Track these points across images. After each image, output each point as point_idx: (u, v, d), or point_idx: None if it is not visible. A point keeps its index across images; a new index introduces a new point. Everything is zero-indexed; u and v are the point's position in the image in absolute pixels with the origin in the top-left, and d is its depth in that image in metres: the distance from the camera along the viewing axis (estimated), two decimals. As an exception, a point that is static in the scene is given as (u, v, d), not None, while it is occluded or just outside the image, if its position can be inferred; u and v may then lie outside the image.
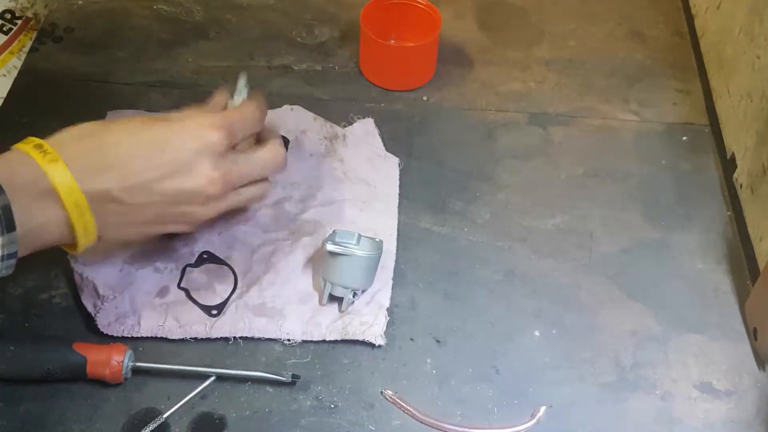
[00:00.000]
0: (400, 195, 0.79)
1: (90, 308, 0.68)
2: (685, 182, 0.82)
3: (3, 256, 0.56)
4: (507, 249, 0.76)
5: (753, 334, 0.70)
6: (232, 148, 0.65)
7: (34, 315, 0.69)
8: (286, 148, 0.81)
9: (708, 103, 0.89)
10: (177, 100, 0.86)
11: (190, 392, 0.64)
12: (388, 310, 0.70)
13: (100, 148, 0.60)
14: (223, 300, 0.70)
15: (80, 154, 0.59)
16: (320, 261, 0.70)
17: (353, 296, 0.69)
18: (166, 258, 0.72)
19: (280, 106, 0.85)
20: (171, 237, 0.73)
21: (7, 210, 0.55)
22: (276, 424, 0.64)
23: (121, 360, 0.64)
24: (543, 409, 0.66)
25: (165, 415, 0.63)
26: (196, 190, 0.62)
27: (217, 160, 0.63)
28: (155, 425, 0.63)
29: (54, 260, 0.71)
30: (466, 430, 0.64)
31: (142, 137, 0.62)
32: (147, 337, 0.68)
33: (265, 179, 0.70)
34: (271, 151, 0.68)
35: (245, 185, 0.67)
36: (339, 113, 0.85)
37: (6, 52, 0.92)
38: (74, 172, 0.57)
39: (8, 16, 0.93)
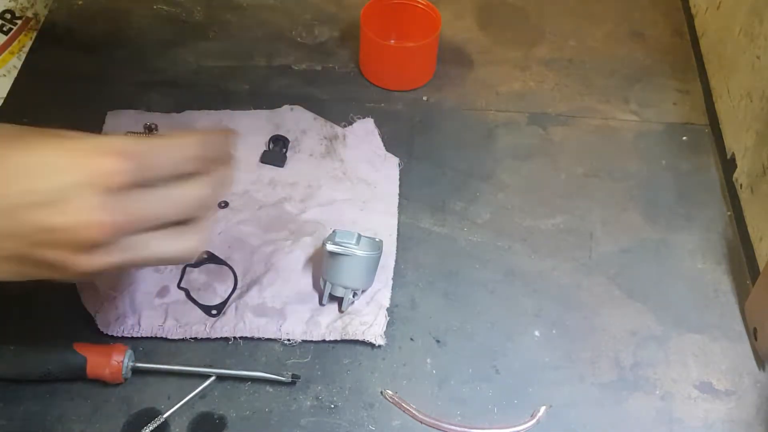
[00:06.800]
0: (400, 195, 0.79)
1: (90, 308, 0.68)
2: (685, 182, 0.82)
3: None
4: (507, 249, 0.76)
5: (753, 334, 0.70)
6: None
7: (34, 315, 0.69)
8: (286, 148, 0.81)
9: (708, 103, 0.89)
10: (177, 100, 0.86)
11: (190, 392, 0.64)
12: (388, 310, 0.70)
13: None
14: (223, 300, 0.70)
15: None
16: (320, 261, 0.70)
17: (353, 296, 0.69)
18: (166, 258, 0.72)
19: (280, 106, 0.85)
20: None
21: None
22: (276, 424, 0.64)
23: (121, 360, 0.64)
24: (543, 409, 0.66)
25: (165, 415, 0.63)
26: (68, 231, 0.46)
27: (108, 196, 0.46)
28: (155, 425, 0.63)
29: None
30: (466, 430, 0.64)
31: (18, 155, 0.47)
32: (147, 337, 0.68)
33: (193, 228, 0.52)
34: (194, 188, 0.51)
35: (157, 231, 0.50)
36: (339, 113, 0.85)
37: (6, 52, 0.92)
38: None
39: (8, 16, 0.93)
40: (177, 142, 0.51)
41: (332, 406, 0.65)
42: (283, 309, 0.69)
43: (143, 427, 0.63)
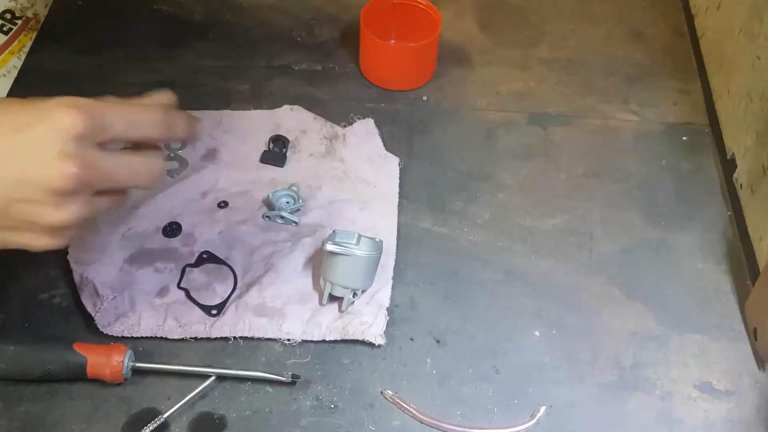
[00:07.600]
0: (400, 195, 0.79)
1: (90, 308, 0.68)
2: (685, 182, 0.82)
3: None
4: (507, 249, 0.76)
5: (753, 334, 0.70)
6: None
7: (34, 315, 0.69)
8: (286, 149, 0.81)
9: (708, 103, 0.89)
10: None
11: (190, 392, 0.64)
12: (388, 310, 0.70)
13: None
14: (223, 300, 0.70)
15: None
16: (320, 261, 0.70)
17: (353, 296, 0.69)
18: (166, 258, 0.72)
19: (280, 106, 0.85)
20: (170, 237, 0.73)
21: None
22: (276, 424, 0.64)
23: (121, 360, 0.64)
24: (543, 409, 0.66)
25: (165, 415, 0.63)
26: (41, 181, 0.51)
27: (72, 148, 0.51)
28: (155, 425, 0.63)
29: (54, 260, 0.71)
30: (466, 430, 0.64)
31: None
32: (147, 337, 0.68)
33: (122, 191, 0.58)
34: (146, 161, 0.57)
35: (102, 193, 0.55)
36: (339, 113, 0.85)
37: (6, 52, 0.92)
38: None
39: (8, 16, 0.93)
40: (142, 108, 0.57)
41: (332, 406, 0.65)
42: (283, 309, 0.69)
43: (143, 427, 0.63)
